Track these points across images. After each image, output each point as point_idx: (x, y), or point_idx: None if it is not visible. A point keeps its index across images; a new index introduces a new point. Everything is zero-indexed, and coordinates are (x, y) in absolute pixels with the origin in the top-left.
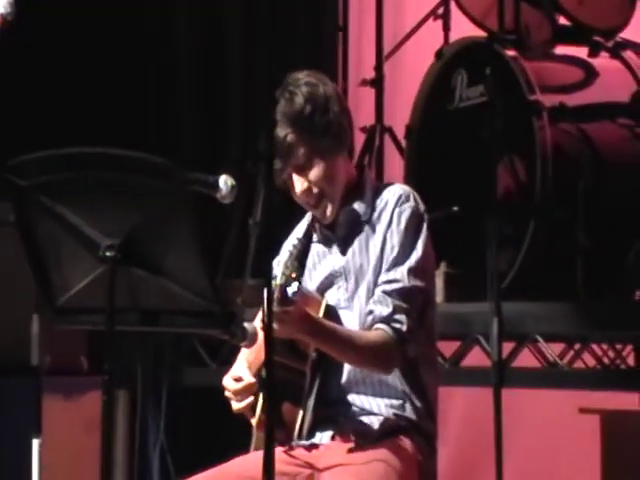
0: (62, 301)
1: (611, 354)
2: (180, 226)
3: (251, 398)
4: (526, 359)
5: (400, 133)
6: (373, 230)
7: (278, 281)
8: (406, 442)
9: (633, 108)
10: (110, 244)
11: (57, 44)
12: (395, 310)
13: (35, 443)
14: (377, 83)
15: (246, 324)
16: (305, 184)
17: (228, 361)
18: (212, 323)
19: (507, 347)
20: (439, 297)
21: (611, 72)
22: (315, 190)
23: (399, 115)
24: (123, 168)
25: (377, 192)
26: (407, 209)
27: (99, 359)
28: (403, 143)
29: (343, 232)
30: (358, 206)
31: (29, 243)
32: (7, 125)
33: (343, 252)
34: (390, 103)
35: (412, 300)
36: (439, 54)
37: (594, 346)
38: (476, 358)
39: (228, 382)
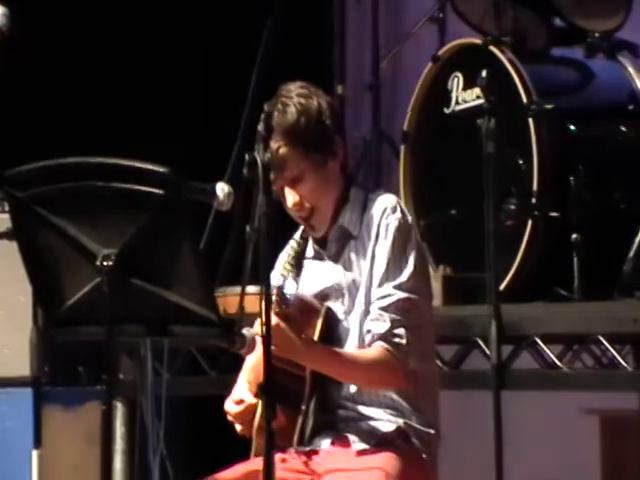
0: (60, 312)
1: (610, 354)
2: (177, 235)
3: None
4: (525, 361)
5: (397, 138)
6: (362, 245)
7: (276, 283)
8: (406, 448)
9: (629, 109)
10: (107, 254)
11: (52, 52)
12: (393, 325)
13: (35, 454)
14: (374, 88)
15: (244, 331)
16: (297, 198)
17: (228, 369)
18: (211, 331)
19: (506, 350)
20: (438, 300)
21: (607, 73)
22: (307, 204)
23: (397, 120)
24: (120, 178)
25: (366, 202)
26: (393, 221)
27: (98, 369)
28: (400, 148)
29: (334, 249)
30: (347, 221)
31: (27, 254)
32: (3, 135)
33: (335, 267)
34: (388, 108)
35: (408, 312)
36: (435, 58)
37: (593, 347)
38: (475, 361)
39: (230, 406)
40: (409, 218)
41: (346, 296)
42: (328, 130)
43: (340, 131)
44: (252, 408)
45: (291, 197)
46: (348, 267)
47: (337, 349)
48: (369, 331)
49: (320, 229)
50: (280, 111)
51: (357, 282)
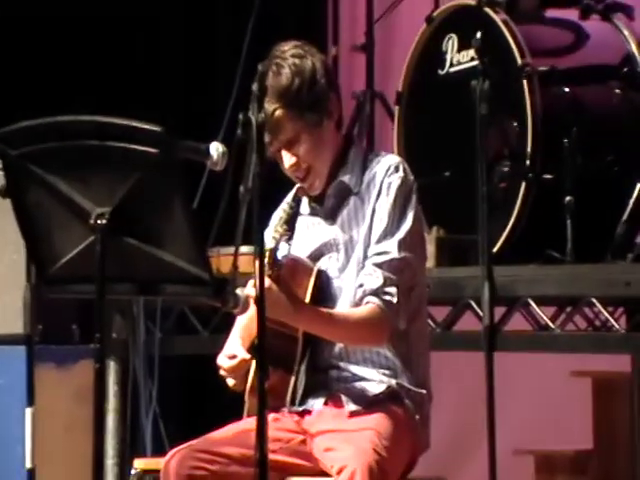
0: (53, 270)
1: (602, 317)
2: (171, 194)
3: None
4: (518, 323)
5: (392, 99)
6: (362, 202)
7: (268, 245)
8: (398, 408)
9: (623, 70)
10: (101, 213)
11: (45, 8)
12: (385, 282)
13: (28, 412)
14: (367, 48)
15: (238, 291)
16: (293, 159)
17: (220, 329)
18: (204, 291)
19: (499, 311)
20: (431, 262)
21: (601, 35)
22: (303, 165)
23: (391, 81)
24: (114, 136)
25: (366, 162)
26: (396, 180)
27: (90, 328)
28: (394, 109)
29: (331, 204)
30: (347, 178)
31: (20, 212)
32: None
33: (332, 224)
34: (382, 69)
35: (402, 272)
36: (429, 19)
37: (586, 309)
38: (468, 322)
39: (222, 360)
40: (411, 178)
41: (341, 252)
42: (322, 90)
43: (335, 90)
44: (245, 363)
45: (287, 158)
46: (345, 223)
47: (327, 310)
48: (361, 285)
49: (317, 188)
50: (274, 72)
51: (354, 239)
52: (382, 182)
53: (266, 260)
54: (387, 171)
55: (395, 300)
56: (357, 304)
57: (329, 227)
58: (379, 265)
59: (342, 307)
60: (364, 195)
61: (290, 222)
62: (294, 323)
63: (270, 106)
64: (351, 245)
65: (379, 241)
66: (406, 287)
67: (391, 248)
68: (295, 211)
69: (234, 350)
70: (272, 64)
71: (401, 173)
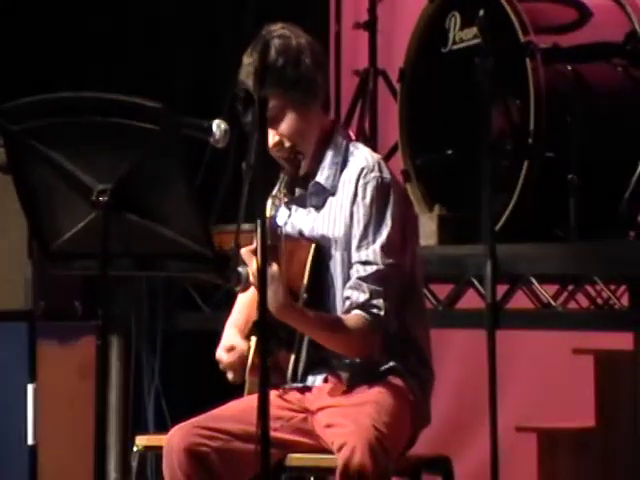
0: (55, 246)
1: (605, 295)
2: (173, 170)
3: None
4: (520, 301)
5: (395, 76)
6: (340, 203)
7: (267, 213)
8: (398, 383)
9: (627, 48)
10: (103, 189)
11: None
12: (372, 296)
13: (30, 388)
14: (370, 26)
15: (240, 268)
16: (276, 137)
17: (221, 305)
18: (206, 267)
19: (501, 289)
20: (433, 239)
21: (605, 12)
22: (287, 144)
23: (394, 58)
24: (116, 112)
25: (347, 156)
26: (371, 181)
27: (93, 304)
28: (397, 86)
29: (313, 201)
30: (323, 179)
31: (22, 188)
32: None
33: (313, 219)
34: (385, 46)
35: (387, 281)
36: None
37: (588, 287)
38: (470, 300)
39: (221, 354)
40: (387, 176)
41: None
42: (308, 69)
43: (322, 71)
44: (244, 356)
45: (271, 137)
46: (323, 222)
47: (317, 313)
48: (348, 298)
49: (302, 168)
50: (259, 52)
51: (331, 238)
52: (357, 183)
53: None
54: (361, 172)
55: (382, 313)
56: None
57: (311, 220)
58: (364, 279)
59: (332, 303)
60: (340, 195)
61: (289, 188)
62: (284, 319)
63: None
64: (329, 242)
65: (360, 246)
66: (394, 292)
67: (374, 257)
68: (293, 178)
69: (232, 341)
70: (258, 44)
71: (376, 173)
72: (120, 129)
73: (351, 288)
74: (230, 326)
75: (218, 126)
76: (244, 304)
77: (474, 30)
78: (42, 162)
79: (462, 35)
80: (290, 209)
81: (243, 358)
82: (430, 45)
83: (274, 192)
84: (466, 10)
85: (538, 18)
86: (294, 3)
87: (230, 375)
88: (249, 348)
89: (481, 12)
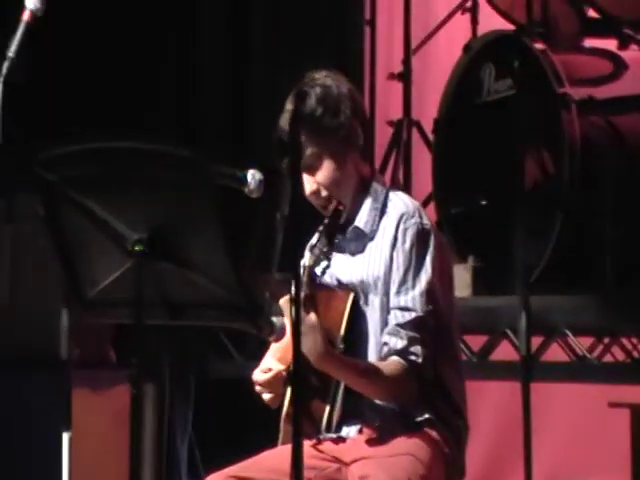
0: (91, 295)
1: None
2: (207, 220)
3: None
4: (555, 353)
5: (428, 127)
6: (379, 248)
7: (307, 263)
8: (434, 434)
9: None
10: (138, 238)
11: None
12: (410, 342)
13: (65, 437)
14: (405, 77)
15: (274, 318)
16: (314, 185)
17: (255, 355)
18: (240, 316)
19: (536, 341)
20: (467, 291)
21: None
22: (324, 193)
23: (428, 109)
24: (151, 162)
25: (386, 202)
26: (411, 227)
27: (127, 352)
28: (431, 137)
29: (353, 247)
30: (362, 223)
31: (57, 237)
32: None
33: (352, 264)
34: (419, 97)
35: (425, 329)
36: (467, 48)
37: (624, 340)
38: (505, 352)
39: (257, 375)
40: (427, 222)
41: (359, 293)
42: (346, 118)
43: (360, 120)
44: (280, 376)
45: (308, 184)
46: (364, 266)
47: (355, 360)
48: (386, 344)
49: (342, 217)
50: (300, 99)
51: (371, 283)
52: (397, 228)
53: (304, 278)
54: (401, 217)
55: (420, 360)
56: (381, 360)
57: (349, 265)
58: (402, 325)
59: (369, 350)
60: (379, 241)
61: (329, 238)
62: (323, 366)
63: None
64: (368, 287)
65: (399, 292)
66: (431, 339)
67: (413, 304)
68: (334, 227)
69: (269, 364)
70: (300, 91)
71: (417, 219)
72: (156, 178)
73: (389, 334)
74: (270, 353)
75: (253, 176)
76: (285, 341)
77: (508, 81)
78: (77, 211)
79: (497, 87)
80: (329, 259)
81: (279, 378)
82: (464, 96)
83: (313, 242)
84: (501, 61)
85: (573, 70)
86: (328, 54)
87: (266, 397)
88: (287, 373)
89: (516, 63)
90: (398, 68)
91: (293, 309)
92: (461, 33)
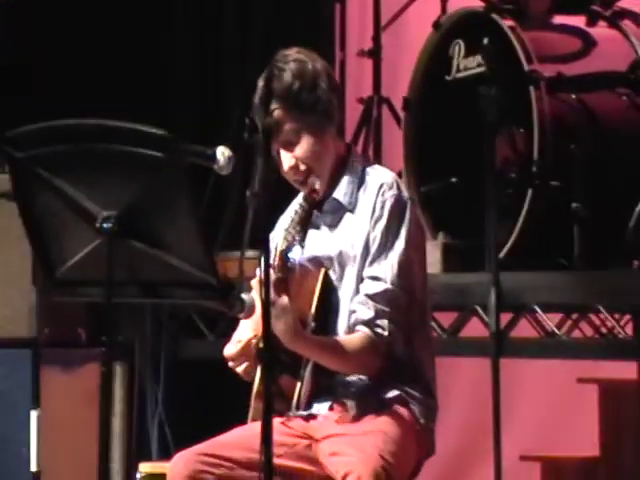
0: (60, 273)
1: (609, 324)
2: (177, 198)
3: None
4: (524, 329)
5: (399, 104)
6: (358, 220)
7: (279, 247)
8: (404, 412)
9: (631, 77)
10: (107, 216)
11: (63, 17)
12: (377, 315)
13: (34, 415)
14: (375, 53)
15: (244, 295)
16: (292, 160)
17: (226, 333)
18: (210, 295)
19: (505, 317)
20: (437, 268)
21: (609, 41)
22: (302, 167)
23: (399, 86)
24: (120, 140)
25: (364, 177)
26: (389, 198)
27: (97, 331)
28: (401, 114)
29: (329, 220)
30: (341, 196)
31: (27, 215)
32: (5, 96)
33: (328, 237)
34: (390, 75)
35: (394, 303)
36: (437, 25)
37: (592, 316)
38: (474, 329)
39: (229, 349)
40: (405, 195)
41: (335, 264)
42: (323, 93)
43: (336, 95)
44: (250, 344)
45: (287, 160)
46: (340, 238)
47: (321, 338)
48: (354, 311)
49: (318, 193)
50: (276, 75)
51: (349, 255)
52: (375, 200)
53: (276, 261)
54: (380, 189)
55: (386, 333)
56: (349, 329)
57: (326, 239)
58: (371, 296)
59: (341, 321)
60: (359, 213)
61: (302, 223)
62: (296, 347)
63: (270, 107)
64: (347, 259)
65: (372, 262)
66: (400, 315)
67: (384, 274)
68: (308, 212)
69: (239, 336)
70: (274, 67)
71: (395, 190)
72: (124, 157)
73: (358, 303)
74: (238, 330)
75: (222, 153)
76: (255, 318)
77: (478, 58)
78: (47, 189)
79: (466, 63)
80: (303, 246)
81: (250, 345)
82: (434, 73)
83: (287, 226)
84: (470, 38)
85: (542, 47)
86: (299, 31)
87: (240, 369)
88: (257, 338)
89: (485, 40)
90: (369, 45)
91: (263, 290)
92: (432, 10)
